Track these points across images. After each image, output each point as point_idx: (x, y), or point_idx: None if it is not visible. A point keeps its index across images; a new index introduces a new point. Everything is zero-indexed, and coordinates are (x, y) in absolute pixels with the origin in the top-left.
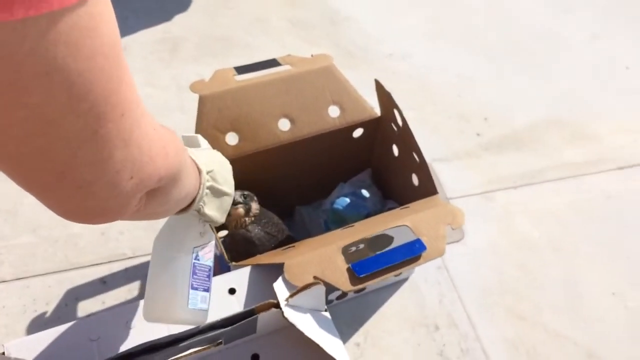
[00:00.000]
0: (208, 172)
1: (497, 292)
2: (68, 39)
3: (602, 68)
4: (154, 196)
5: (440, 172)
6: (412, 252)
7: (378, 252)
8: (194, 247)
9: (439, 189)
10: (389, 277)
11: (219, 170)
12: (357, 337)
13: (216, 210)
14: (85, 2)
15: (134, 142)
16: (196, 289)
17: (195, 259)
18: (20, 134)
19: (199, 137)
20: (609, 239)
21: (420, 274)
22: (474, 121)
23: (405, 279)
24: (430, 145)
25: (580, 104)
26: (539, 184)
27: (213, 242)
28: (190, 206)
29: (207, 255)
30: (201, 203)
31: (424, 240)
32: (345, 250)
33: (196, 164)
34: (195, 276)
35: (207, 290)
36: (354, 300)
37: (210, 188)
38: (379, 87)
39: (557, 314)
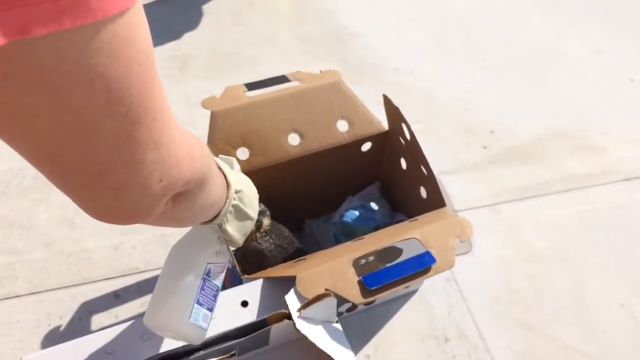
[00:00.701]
0: (236, 192)
1: (506, 303)
2: (109, 48)
3: (606, 81)
4: (180, 200)
5: (448, 184)
6: (422, 264)
7: (388, 265)
8: (208, 263)
9: (446, 202)
10: (399, 289)
11: (246, 192)
12: (367, 349)
13: (237, 231)
14: (124, 14)
15: (164, 145)
16: (201, 305)
17: (206, 274)
18: (62, 136)
19: (234, 160)
20: (616, 249)
21: (429, 286)
22: (481, 134)
23: (415, 291)
24: (438, 158)
25: (585, 117)
26: (545, 196)
27: (226, 264)
28: (214, 219)
29: (219, 276)
30: (224, 218)
31: (433, 252)
32: (355, 263)
33: (226, 179)
34: (202, 292)
35: (211, 310)
36: (363, 313)
37: (235, 207)
38: (387, 101)
39: (565, 324)
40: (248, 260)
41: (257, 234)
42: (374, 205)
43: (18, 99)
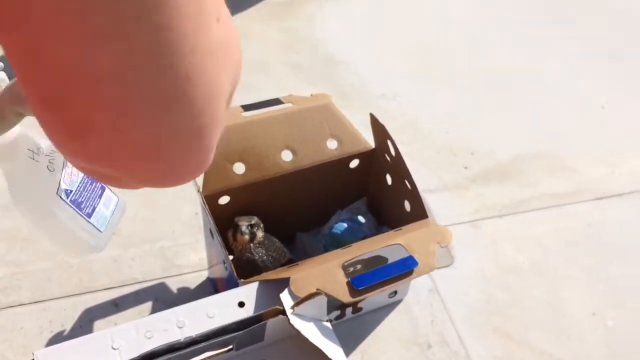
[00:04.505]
0: None
1: (486, 313)
2: None
3: (580, 106)
4: None
5: (431, 202)
6: (406, 267)
7: (374, 268)
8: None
9: (429, 214)
10: (384, 296)
11: None
12: (354, 355)
13: None
14: None
15: None
16: (89, 214)
17: (64, 197)
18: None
19: None
20: (589, 263)
21: (413, 296)
22: (461, 155)
23: (399, 301)
24: (421, 177)
25: (560, 139)
26: (523, 213)
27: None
28: None
29: (70, 179)
30: None
31: (416, 257)
32: (344, 267)
33: None
34: (79, 208)
35: (94, 209)
36: (351, 321)
37: None
38: (374, 120)
39: (542, 332)
40: (241, 270)
41: (251, 245)
42: (361, 219)
43: None
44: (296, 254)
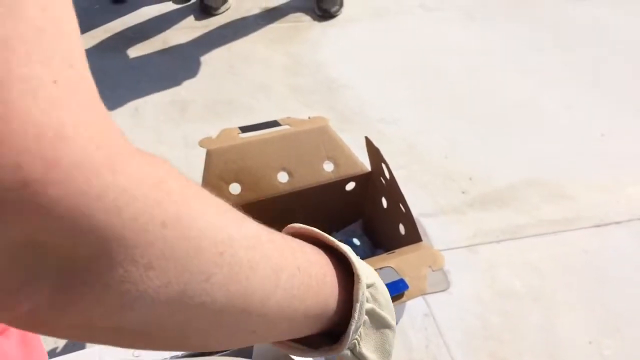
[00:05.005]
0: (368, 287)
1: (481, 338)
2: None
3: (578, 134)
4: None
5: (428, 226)
6: (397, 290)
7: None
8: None
9: (425, 241)
10: None
11: (380, 286)
12: None
13: (377, 353)
14: None
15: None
16: None
17: None
18: None
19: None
20: (586, 290)
21: (407, 320)
22: (460, 180)
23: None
24: (418, 201)
25: (558, 166)
26: (520, 239)
27: None
28: (339, 344)
29: None
30: (357, 336)
31: (407, 280)
32: None
33: (352, 264)
34: None
35: None
36: None
37: (371, 313)
38: (369, 143)
39: (536, 359)
40: None
41: None
42: (356, 241)
43: None
44: None
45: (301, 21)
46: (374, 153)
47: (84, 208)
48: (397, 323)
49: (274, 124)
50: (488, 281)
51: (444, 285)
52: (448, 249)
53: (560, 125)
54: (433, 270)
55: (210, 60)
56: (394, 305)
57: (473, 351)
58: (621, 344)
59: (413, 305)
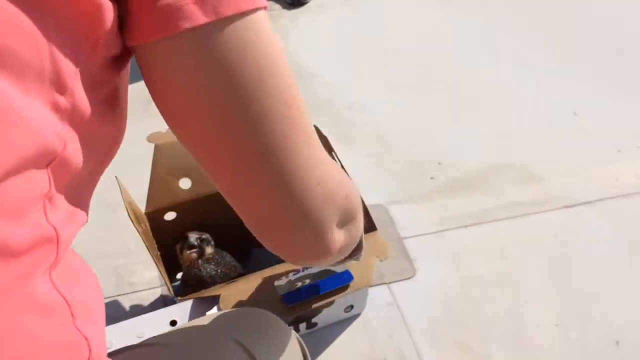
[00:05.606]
0: None
1: (446, 325)
2: (265, 28)
3: (550, 115)
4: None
5: (395, 213)
6: (342, 281)
7: (307, 283)
8: None
9: (392, 230)
10: (340, 310)
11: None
12: None
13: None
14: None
15: (313, 143)
16: None
17: None
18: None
19: None
20: (555, 274)
21: (371, 310)
22: (428, 166)
23: (357, 315)
24: (387, 188)
25: (529, 149)
26: (488, 223)
27: None
28: (358, 250)
29: None
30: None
31: (353, 271)
32: (278, 283)
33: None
34: None
35: None
36: (305, 337)
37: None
38: (317, 131)
39: (502, 344)
40: (189, 286)
41: (199, 261)
42: None
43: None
44: (251, 269)
45: (271, 9)
46: (323, 142)
47: None
48: (360, 314)
49: None
50: (454, 267)
51: (410, 273)
52: (415, 236)
53: (533, 108)
54: (380, 261)
55: None
56: (339, 297)
57: (438, 339)
58: (588, 327)
59: (377, 294)
